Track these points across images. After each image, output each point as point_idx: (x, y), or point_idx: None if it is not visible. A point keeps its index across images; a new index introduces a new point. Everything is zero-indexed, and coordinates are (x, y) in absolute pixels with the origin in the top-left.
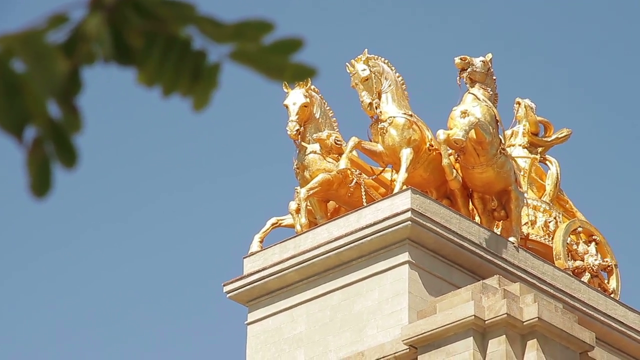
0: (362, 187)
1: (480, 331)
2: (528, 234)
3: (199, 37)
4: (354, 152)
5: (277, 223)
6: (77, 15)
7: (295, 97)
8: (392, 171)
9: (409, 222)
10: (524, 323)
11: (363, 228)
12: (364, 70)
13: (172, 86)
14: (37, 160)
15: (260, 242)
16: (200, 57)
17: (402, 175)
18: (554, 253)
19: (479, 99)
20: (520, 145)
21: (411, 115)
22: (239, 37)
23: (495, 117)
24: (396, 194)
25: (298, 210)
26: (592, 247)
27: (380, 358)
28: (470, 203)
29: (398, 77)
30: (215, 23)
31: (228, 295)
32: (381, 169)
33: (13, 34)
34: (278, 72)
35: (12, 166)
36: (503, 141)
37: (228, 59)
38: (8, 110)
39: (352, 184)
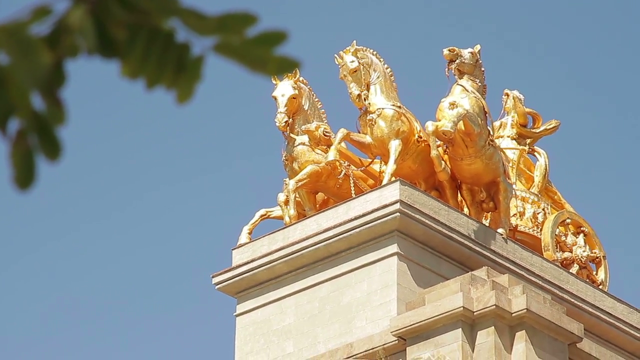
0: (350, 178)
1: (469, 322)
2: (516, 226)
3: (183, 29)
4: (343, 144)
5: (265, 215)
6: (60, 8)
7: (284, 88)
8: (381, 163)
9: (398, 214)
10: (513, 314)
11: (352, 220)
12: (353, 61)
13: (155, 78)
14: (21, 152)
15: (249, 233)
16: (183, 50)
17: (390, 166)
18: (543, 244)
19: (467, 91)
20: (508, 136)
21: (400, 107)
22: (223, 29)
23: (484, 109)
24: (385, 185)
25: (287, 202)
26: (581, 239)
27: (369, 349)
28: (459, 194)
29: (386, 68)
30: (198, 15)
31: (217, 286)
32: (370, 160)
33: None
34: (261, 64)
35: None
36: (491, 133)
37: (212, 51)
38: None
39: (341, 176)
